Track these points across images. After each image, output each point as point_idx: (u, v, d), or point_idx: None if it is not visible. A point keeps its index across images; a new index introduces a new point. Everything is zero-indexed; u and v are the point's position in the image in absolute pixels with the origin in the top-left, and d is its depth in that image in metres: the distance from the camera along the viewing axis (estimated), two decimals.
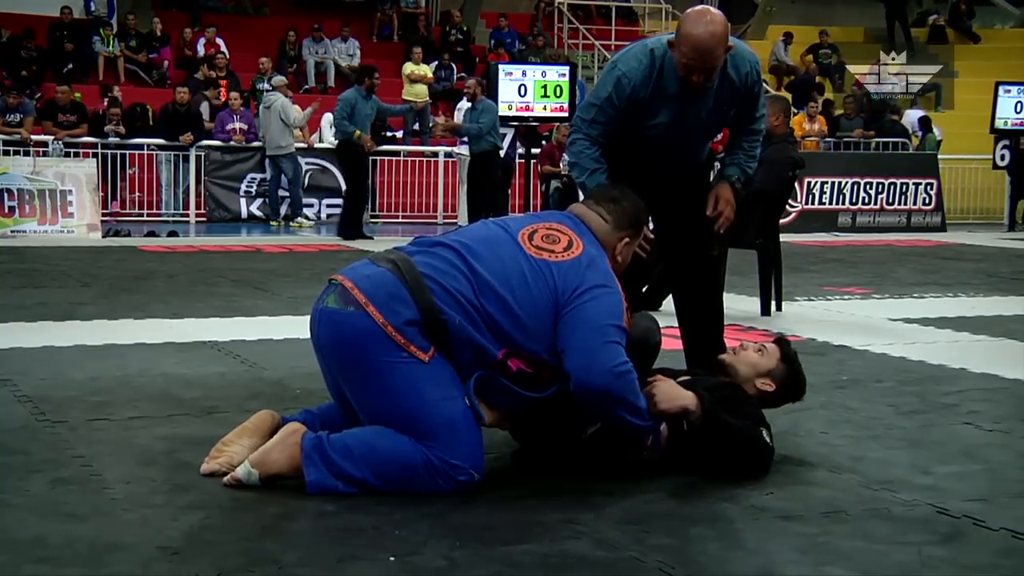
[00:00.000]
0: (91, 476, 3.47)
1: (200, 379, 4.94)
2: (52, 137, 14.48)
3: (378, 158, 15.17)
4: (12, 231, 12.33)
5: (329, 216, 15.48)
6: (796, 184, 12.70)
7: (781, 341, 4.01)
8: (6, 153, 13.90)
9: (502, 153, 13.57)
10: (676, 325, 4.70)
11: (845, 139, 18.13)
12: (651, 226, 4.26)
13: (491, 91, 12.40)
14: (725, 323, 4.78)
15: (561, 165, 14.60)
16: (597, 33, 21.39)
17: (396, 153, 16.33)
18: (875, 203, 15.52)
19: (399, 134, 17.21)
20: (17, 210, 12.48)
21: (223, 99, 16.15)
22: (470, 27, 20.83)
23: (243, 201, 15.25)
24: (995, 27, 24.98)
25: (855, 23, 23.92)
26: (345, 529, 3.05)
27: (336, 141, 13.35)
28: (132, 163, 15.01)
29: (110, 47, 17.76)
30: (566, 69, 12.90)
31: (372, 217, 15.42)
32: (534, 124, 13.10)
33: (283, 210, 14.98)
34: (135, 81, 17.81)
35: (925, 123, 18.79)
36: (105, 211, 13.92)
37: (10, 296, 7.58)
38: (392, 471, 3.29)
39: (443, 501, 3.24)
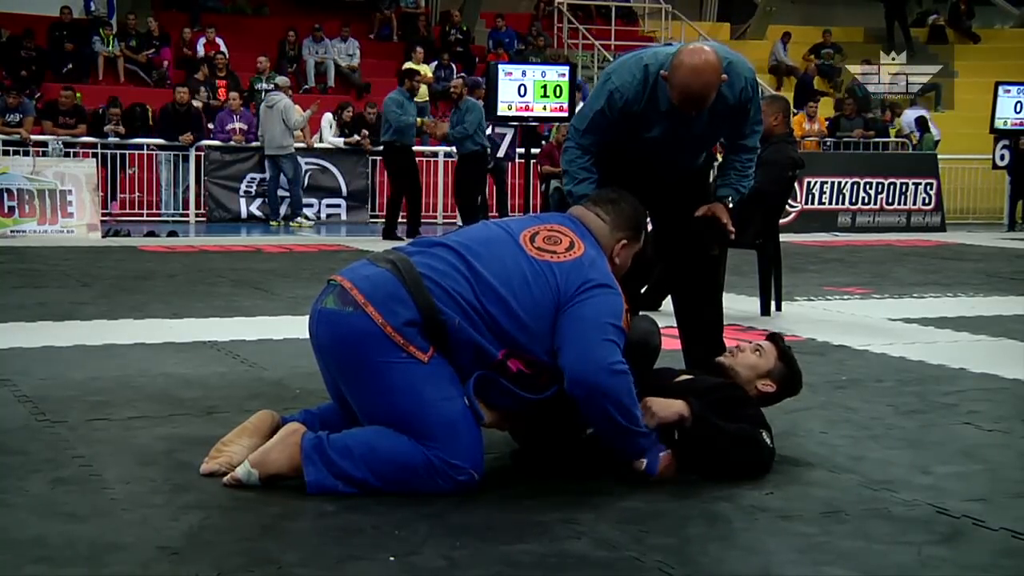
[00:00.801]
0: (91, 476, 3.47)
1: (200, 379, 4.94)
2: (52, 137, 14.48)
3: (377, 158, 15.16)
4: (12, 231, 12.32)
5: (329, 216, 15.49)
6: (796, 184, 12.69)
7: (775, 338, 4.01)
8: (6, 153, 13.90)
9: (501, 153, 13.54)
10: (675, 326, 4.70)
11: (845, 139, 18.12)
12: (650, 227, 4.27)
13: (491, 91, 12.39)
14: (725, 323, 4.78)
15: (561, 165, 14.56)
16: (597, 33, 21.36)
17: None
18: (875, 203, 15.52)
19: None
20: (17, 210, 12.47)
21: (221, 99, 16.15)
22: (470, 27, 20.82)
23: (243, 201, 15.25)
24: (995, 27, 24.97)
25: (855, 23, 23.91)
26: (345, 529, 3.05)
27: (385, 142, 12.96)
28: (132, 163, 15.02)
29: (110, 47, 17.75)
30: (566, 69, 12.88)
31: (372, 217, 15.45)
32: (534, 124, 13.10)
33: (283, 210, 14.98)
34: (135, 81, 17.81)
35: (922, 123, 18.79)
36: (105, 211, 13.92)
37: (10, 296, 7.58)
38: (392, 471, 3.29)
39: (443, 501, 3.24)
